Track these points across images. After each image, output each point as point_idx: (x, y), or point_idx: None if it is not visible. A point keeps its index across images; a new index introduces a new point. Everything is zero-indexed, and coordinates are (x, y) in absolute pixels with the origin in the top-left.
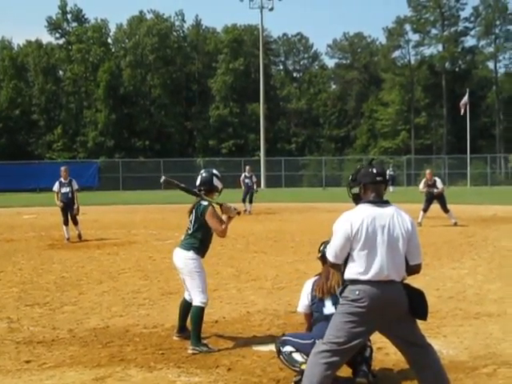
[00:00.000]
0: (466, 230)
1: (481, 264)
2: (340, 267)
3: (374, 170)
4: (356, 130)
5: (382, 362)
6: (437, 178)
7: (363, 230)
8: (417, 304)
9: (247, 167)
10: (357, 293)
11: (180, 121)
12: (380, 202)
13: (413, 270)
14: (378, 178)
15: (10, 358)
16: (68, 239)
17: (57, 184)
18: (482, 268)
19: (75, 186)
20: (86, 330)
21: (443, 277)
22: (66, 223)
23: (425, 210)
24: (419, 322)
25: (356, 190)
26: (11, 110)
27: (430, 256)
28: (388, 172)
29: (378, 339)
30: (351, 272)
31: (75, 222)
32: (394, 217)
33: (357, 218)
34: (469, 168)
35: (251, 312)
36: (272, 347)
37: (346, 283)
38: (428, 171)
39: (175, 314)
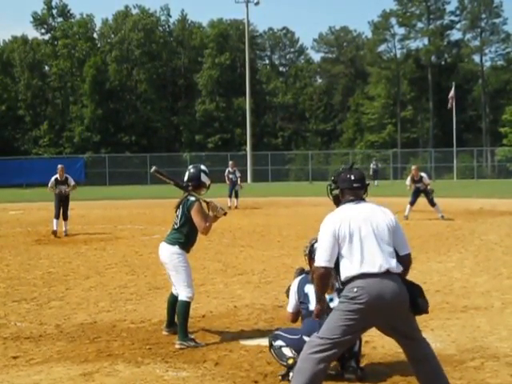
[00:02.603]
0: (453, 223)
1: (467, 257)
2: (331, 274)
3: (352, 177)
4: (342, 124)
5: (369, 356)
6: (423, 174)
7: (348, 227)
8: (417, 298)
9: (230, 162)
10: (355, 290)
11: (166, 116)
12: (359, 200)
13: (405, 261)
14: (355, 185)
15: None
16: (55, 232)
17: (53, 180)
18: (469, 261)
19: (72, 182)
20: (73, 325)
21: (430, 270)
22: (57, 216)
23: (412, 204)
24: None
25: (336, 192)
26: None
27: (417, 249)
28: (372, 166)
29: (365, 333)
30: (345, 271)
31: (65, 217)
32: (375, 210)
33: (340, 216)
34: (455, 161)
35: (238, 306)
36: (259, 341)
37: (343, 283)
38: (414, 167)
39: (162, 308)
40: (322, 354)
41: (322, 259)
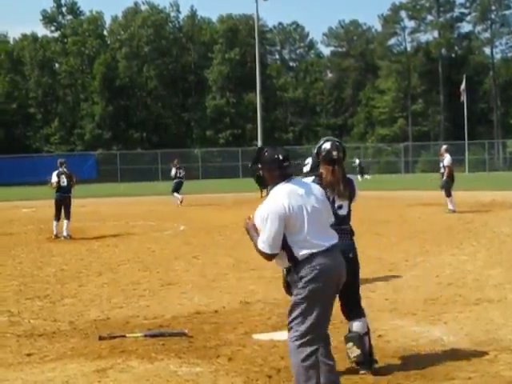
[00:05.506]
0: (465, 216)
1: (480, 250)
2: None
3: (281, 156)
4: (353, 118)
5: (382, 350)
6: (447, 155)
7: (292, 207)
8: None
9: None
10: (318, 268)
11: (177, 112)
12: (289, 178)
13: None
14: (284, 164)
15: (12, 352)
16: (56, 236)
17: (54, 175)
18: (482, 254)
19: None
20: (86, 321)
21: (443, 263)
22: (57, 218)
23: (448, 196)
24: (420, 309)
25: (262, 172)
26: (8, 104)
27: (430, 242)
28: (355, 161)
29: (379, 327)
30: (299, 252)
31: (68, 216)
32: (308, 185)
33: (282, 199)
34: (467, 154)
35: (251, 301)
36: (272, 336)
37: (299, 262)
38: (444, 147)
39: (175, 304)
40: (309, 347)
41: (268, 246)
